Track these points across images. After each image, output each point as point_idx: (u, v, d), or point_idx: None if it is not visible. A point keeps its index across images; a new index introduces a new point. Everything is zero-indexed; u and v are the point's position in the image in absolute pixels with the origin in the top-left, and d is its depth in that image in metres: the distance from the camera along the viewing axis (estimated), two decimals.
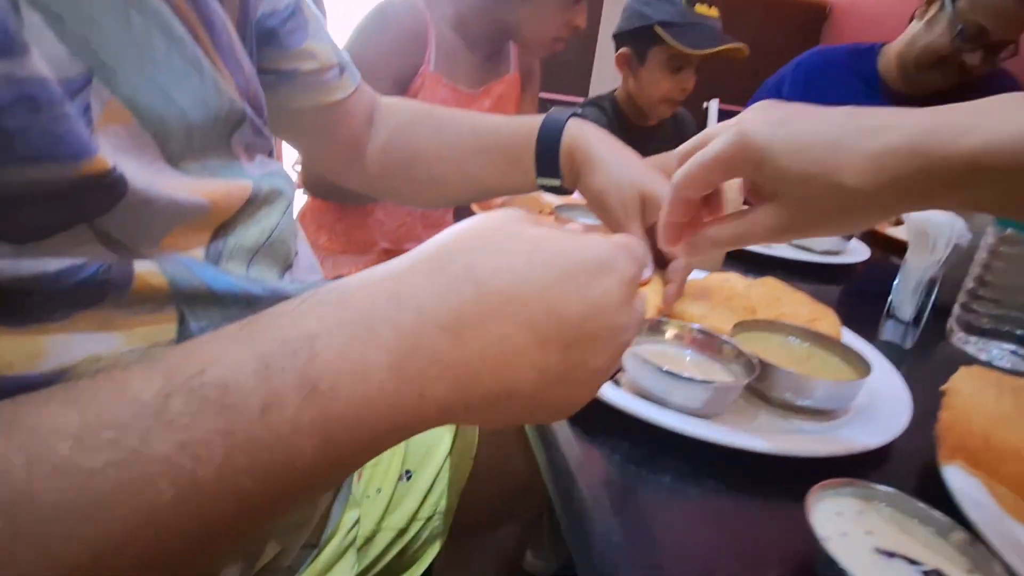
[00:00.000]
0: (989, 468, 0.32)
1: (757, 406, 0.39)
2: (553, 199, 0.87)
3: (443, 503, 0.61)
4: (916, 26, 1.20)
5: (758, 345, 0.42)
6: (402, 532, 0.57)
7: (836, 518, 0.26)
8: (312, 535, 0.42)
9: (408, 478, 0.59)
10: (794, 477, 0.31)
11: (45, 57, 0.22)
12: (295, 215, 0.41)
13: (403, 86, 0.90)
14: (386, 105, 0.60)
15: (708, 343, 0.40)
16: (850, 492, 0.28)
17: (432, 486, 0.61)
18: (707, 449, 0.32)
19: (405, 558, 0.59)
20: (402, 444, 0.60)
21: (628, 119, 1.28)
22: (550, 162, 0.54)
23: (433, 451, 0.62)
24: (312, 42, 0.47)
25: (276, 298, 0.33)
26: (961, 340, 0.56)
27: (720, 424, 0.34)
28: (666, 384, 0.34)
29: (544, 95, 1.56)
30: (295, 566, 0.40)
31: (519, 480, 0.68)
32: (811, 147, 0.29)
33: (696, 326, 0.41)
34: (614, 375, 0.31)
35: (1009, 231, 0.52)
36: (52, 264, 0.23)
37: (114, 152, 0.25)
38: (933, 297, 0.56)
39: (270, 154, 0.42)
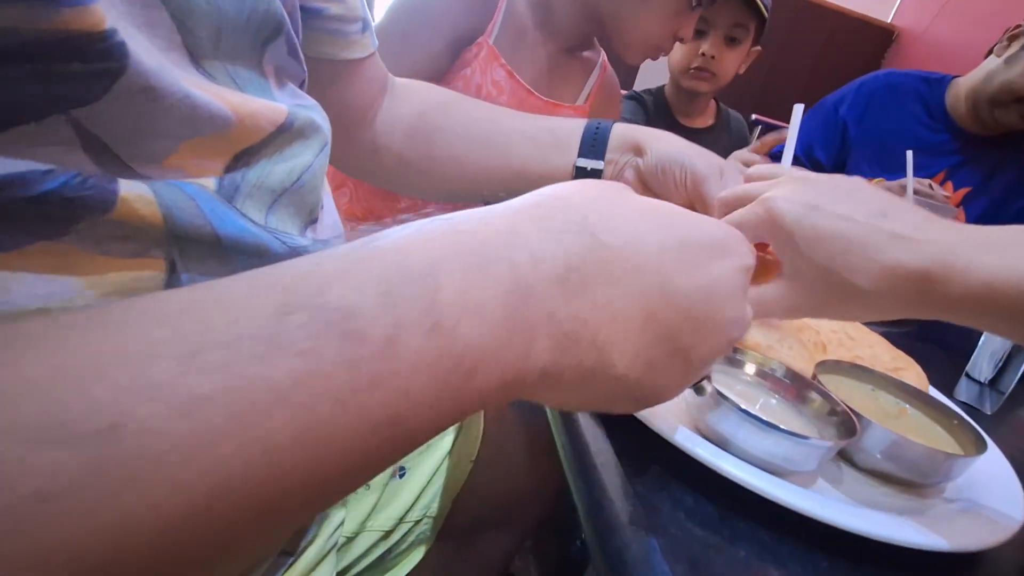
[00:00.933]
0: None
1: (839, 467, 0.32)
2: None
3: (434, 506, 0.56)
4: (994, 62, 1.13)
5: (843, 393, 0.36)
6: (387, 535, 0.52)
7: None
8: (289, 541, 0.36)
9: (401, 475, 0.54)
10: (870, 564, 0.25)
11: None
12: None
13: (457, 50, 0.80)
14: (407, 83, 0.56)
15: (791, 386, 0.34)
16: None
17: (426, 487, 0.55)
18: (785, 517, 0.26)
19: (385, 562, 0.54)
20: None
21: (674, 116, 1.21)
22: (597, 144, 0.53)
23: (432, 449, 0.56)
24: None
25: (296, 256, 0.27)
26: None
27: (802, 487, 0.28)
28: (750, 432, 0.28)
29: None
30: (270, 574, 0.34)
31: (518, 488, 0.63)
32: (835, 242, 0.30)
33: (777, 364, 0.35)
34: (700, 381, 0.26)
35: None
36: (4, 165, 0.17)
37: (118, 18, 0.19)
38: (1017, 366, 0.50)
39: (302, 85, 0.36)
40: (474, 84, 0.80)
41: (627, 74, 1.88)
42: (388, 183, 0.65)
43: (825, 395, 0.32)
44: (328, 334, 0.14)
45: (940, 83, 1.25)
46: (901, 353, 0.45)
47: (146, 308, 0.14)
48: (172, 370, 0.13)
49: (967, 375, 0.53)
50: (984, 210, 1.20)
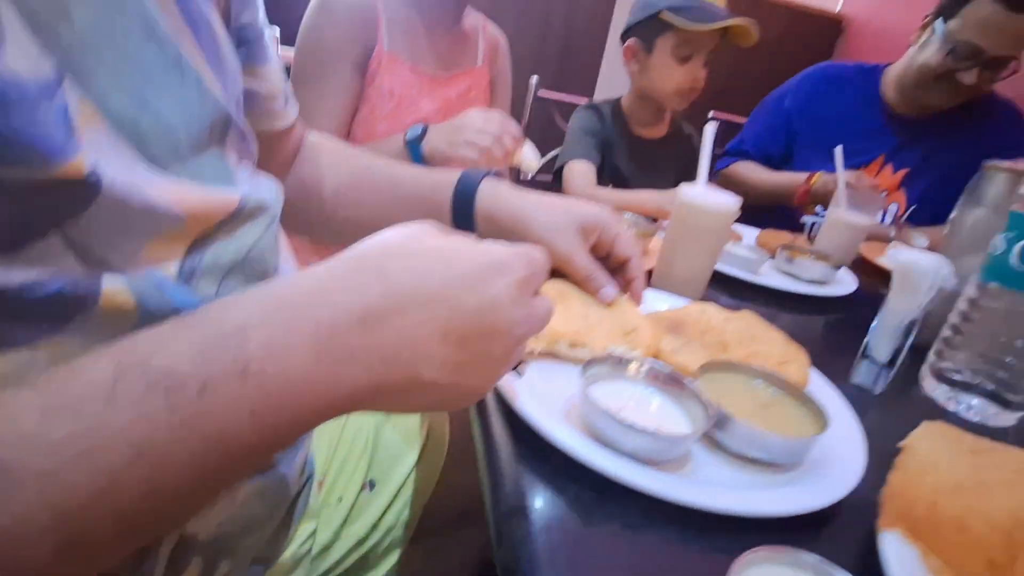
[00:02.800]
0: (930, 538, 0.33)
1: (715, 453, 0.39)
2: None
3: (406, 513, 0.62)
4: (913, 49, 1.20)
5: (724, 387, 0.42)
6: (362, 541, 0.58)
7: None
8: (263, 550, 0.42)
9: (371, 488, 0.60)
10: (732, 532, 0.32)
11: (18, 53, 0.21)
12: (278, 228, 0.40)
13: (362, 70, 0.90)
14: (311, 143, 0.61)
15: (672, 384, 0.40)
16: (777, 559, 0.28)
17: (395, 497, 0.61)
18: (652, 497, 0.32)
19: (364, 565, 0.59)
20: (367, 450, 0.60)
21: (630, 127, 1.27)
22: (466, 217, 0.56)
23: (400, 460, 0.62)
24: (271, 65, 0.47)
25: None
26: (932, 388, 0.56)
27: (668, 473, 0.35)
28: (617, 430, 0.34)
29: (549, 95, 1.55)
30: None
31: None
32: None
33: (661, 365, 0.41)
34: (517, 367, 0.34)
35: (992, 284, 0.52)
36: (21, 275, 0.23)
37: (96, 153, 0.24)
38: (910, 342, 0.56)
39: (255, 163, 0.41)
40: (386, 91, 0.91)
41: (587, 84, 1.94)
42: (296, 232, 0.74)
43: (697, 393, 0.39)
44: (154, 388, 0.20)
45: (874, 72, 1.32)
46: (793, 347, 0.51)
47: (28, 383, 0.20)
48: (36, 420, 0.19)
49: (868, 357, 0.59)
50: (926, 189, 1.27)
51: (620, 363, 0.41)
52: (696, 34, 1.06)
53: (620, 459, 0.34)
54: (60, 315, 0.24)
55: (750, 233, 0.98)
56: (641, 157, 1.26)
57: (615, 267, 0.54)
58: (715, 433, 0.38)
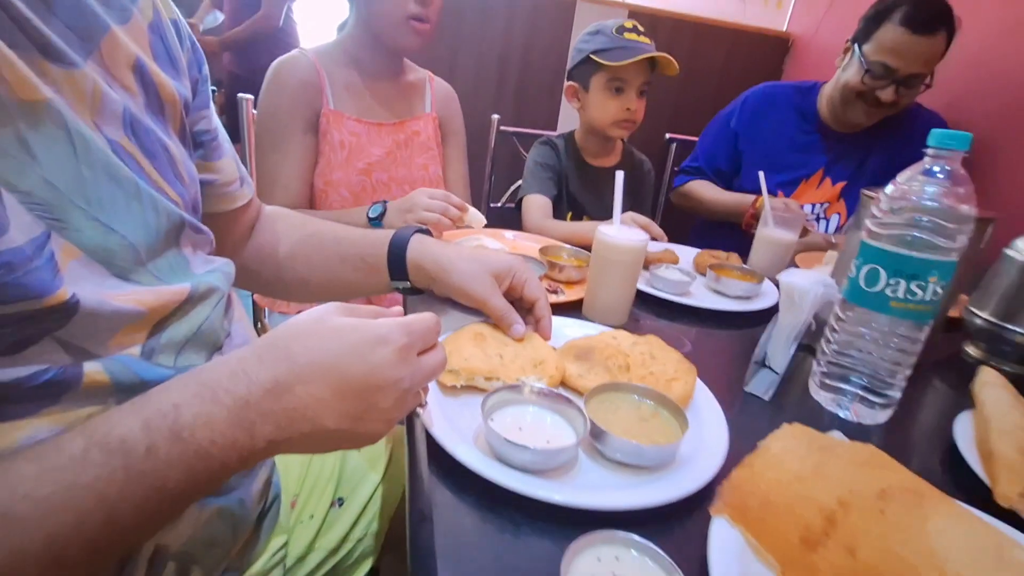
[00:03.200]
0: (753, 522, 0.41)
1: (597, 461, 0.47)
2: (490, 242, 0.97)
3: (375, 525, 0.70)
4: (838, 70, 1.31)
5: (611, 405, 0.51)
6: (333, 552, 0.66)
7: (595, 563, 0.35)
8: (235, 560, 0.51)
9: (340, 505, 0.68)
10: (596, 525, 0.40)
11: (17, 228, 0.30)
12: (229, 303, 0.49)
13: (315, 129, 1.03)
14: (266, 214, 0.70)
15: (563, 403, 0.49)
16: (613, 540, 0.36)
17: (363, 511, 0.69)
18: (539, 502, 0.41)
19: (337, 573, 0.68)
20: (335, 473, 0.69)
21: (583, 157, 1.37)
22: (400, 269, 0.67)
23: (365, 480, 0.71)
24: (226, 159, 0.57)
25: None
26: (816, 393, 0.64)
27: (551, 480, 0.43)
28: (506, 448, 0.43)
29: (512, 128, 1.65)
30: None
31: None
32: None
33: (551, 389, 0.50)
34: (414, 410, 0.44)
35: (850, 302, 0.60)
36: (24, 371, 0.32)
37: (74, 282, 0.33)
38: (792, 352, 0.65)
39: (211, 248, 0.50)
40: (336, 142, 1.04)
41: (549, 118, 2.05)
42: (262, 293, 0.86)
43: (577, 407, 0.48)
44: (113, 453, 0.30)
45: (811, 91, 1.42)
46: (685, 364, 0.60)
47: (27, 455, 0.30)
48: (32, 483, 0.28)
49: (767, 367, 0.68)
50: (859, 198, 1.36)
51: (518, 390, 0.50)
52: (621, 68, 1.18)
53: (508, 470, 0.43)
54: (55, 394, 0.33)
55: (688, 254, 1.06)
56: (595, 185, 1.36)
57: (526, 308, 0.64)
58: (596, 444, 0.47)
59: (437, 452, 0.46)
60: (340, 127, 1.02)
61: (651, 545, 0.36)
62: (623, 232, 0.71)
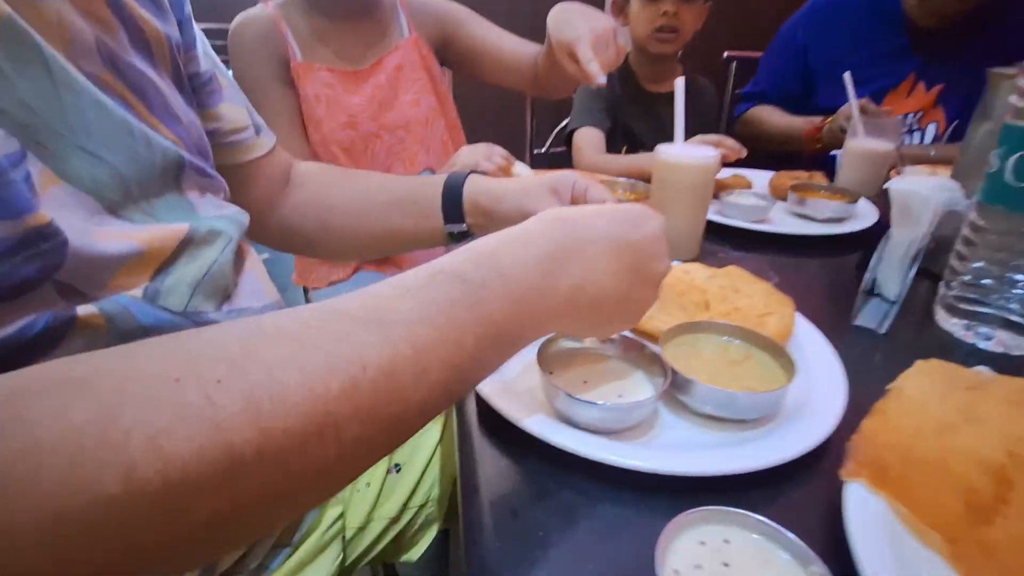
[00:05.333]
0: (898, 486, 0.32)
1: (681, 416, 0.39)
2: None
3: (436, 491, 0.65)
4: None
5: (691, 349, 0.42)
6: (395, 520, 0.62)
7: (698, 548, 0.27)
8: (283, 536, 0.46)
9: (397, 471, 0.64)
10: (684, 495, 0.32)
11: None
12: (237, 248, 0.44)
13: (288, 85, 0.94)
14: (303, 169, 0.65)
15: (634, 350, 0.41)
16: (720, 519, 0.28)
17: (422, 477, 0.65)
18: (607, 466, 0.33)
19: (401, 543, 0.64)
20: None
21: (639, 83, 1.23)
22: (455, 210, 0.61)
23: (421, 445, 0.66)
24: (228, 104, 0.51)
25: None
26: (945, 321, 0.52)
27: (624, 441, 0.35)
28: (570, 406, 0.35)
29: None
30: (266, 565, 0.45)
31: None
32: None
33: (620, 334, 0.42)
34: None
35: (991, 205, 0.48)
36: (12, 327, 0.28)
37: (55, 210, 0.30)
38: (912, 274, 0.53)
39: (225, 195, 0.46)
40: (312, 97, 0.94)
41: None
42: (303, 253, 0.78)
43: (657, 357, 0.39)
44: (454, 280, 0.29)
45: None
46: (778, 296, 0.49)
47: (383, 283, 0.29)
48: (406, 313, 0.26)
49: (878, 295, 0.56)
50: (965, 101, 1.16)
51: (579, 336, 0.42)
52: None
53: (574, 432, 0.35)
54: (50, 343, 0.30)
55: (762, 178, 0.93)
56: (653, 114, 1.22)
57: None
58: (679, 396, 0.38)
59: (489, 414, 0.39)
60: (312, 80, 0.93)
61: (772, 524, 0.27)
62: (689, 150, 0.60)
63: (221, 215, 0.44)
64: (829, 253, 0.72)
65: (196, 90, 0.48)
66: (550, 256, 0.32)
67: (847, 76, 0.90)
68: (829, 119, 1.11)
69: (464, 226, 0.61)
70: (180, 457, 0.19)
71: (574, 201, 0.59)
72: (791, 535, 0.27)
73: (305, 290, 1.13)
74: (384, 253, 0.93)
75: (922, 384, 0.40)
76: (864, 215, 0.79)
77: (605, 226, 0.35)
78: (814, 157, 1.20)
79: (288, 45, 0.92)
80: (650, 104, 1.22)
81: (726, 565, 0.26)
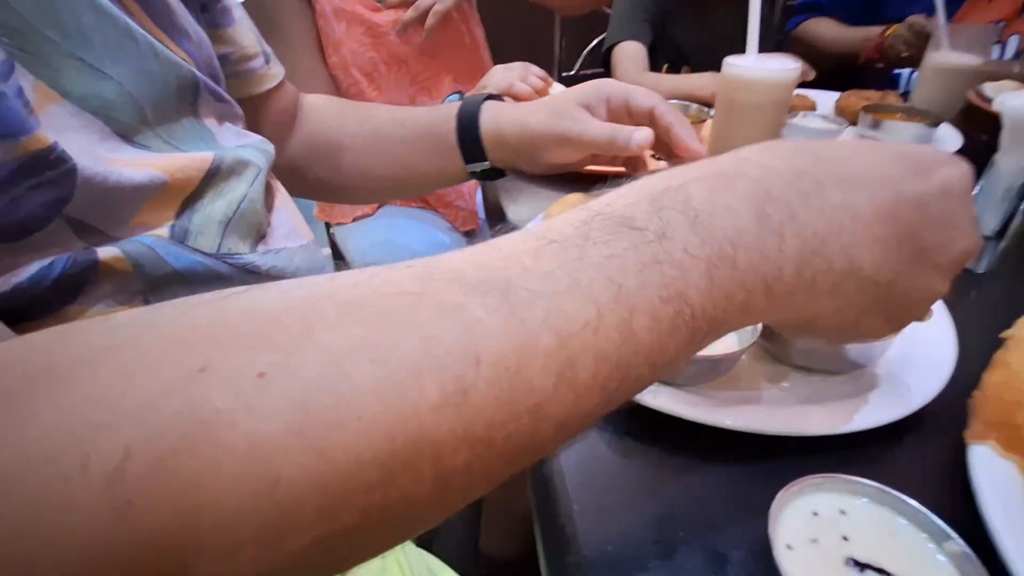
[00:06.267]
0: None
1: (776, 368, 0.35)
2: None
3: None
4: None
5: None
6: None
7: (811, 520, 0.24)
8: None
9: None
10: (786, 457, 0.29)
11: None
12: (265, 183, 0.40)
13: (307, 1, 0.84)
14: (310, 103, 0.59)
15: None
16: (834, 487, 0.25)
17: None
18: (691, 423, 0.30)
19: None
20: None
21: None
22: (474, 145, 0.53)
23: None
24: (238, 27, 0.46)
25: (244, 274, 0.34)
26: None
27: (710, 396, 0.32)
28: None
29: None
30: None
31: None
32: None
33: None
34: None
35: None
36: (25, 272, 0.26)
37: (58, 132, 0.26)
38: (1022, 208, 0.47)
39: (243, 123, 0.42)
40: (330, 12, 0.84)
41: None
42: (316, 197, 0.73)
43: None
44: (619, 231, 0.18)
45: None
46: None
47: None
48: (520, 276, 0.16)
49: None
50: None
51: None
52: None
53: (655, 388, 0.31)
54: (71, 291, 0.28)
55: (828, 99, 0.84)
56: (704, 27, 1.10)
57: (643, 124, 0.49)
58: (768, 347, 0.34)
59: None
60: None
61: (894, 493, 0.24)
62: (765, 61, 0.52)
63: (245, 144, 0.39)
64: None
65: (206, 6, 0.43)
66: (775, 200, 0.20)
67: None
68: (892, 28, 0.99)
69: (487, 164, 0.54)
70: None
71: (613, 117, 0.50)
72: (920, 506, 0.23)
73: (327, 226, 1.08)
74: (406, 195, 0.88)
75: None
76: (947, 139, 0.71)
77: (871, 167, 0.22)
78: (875, 75, 1.09)
79: None
80: (699, 14, 1.10)
81: (845, 539, 0.23)
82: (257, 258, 0.36)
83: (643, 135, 0.47)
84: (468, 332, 0.15)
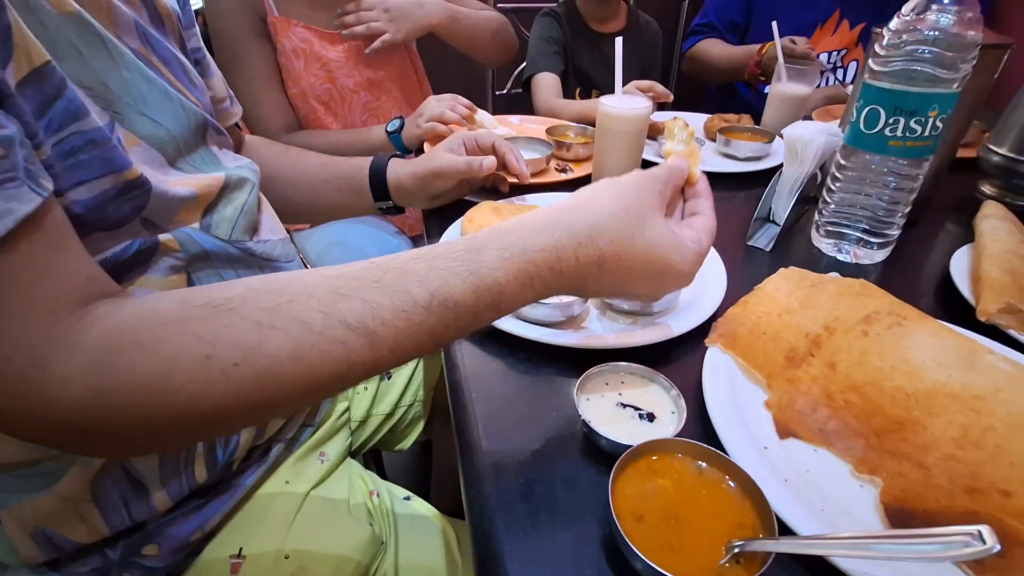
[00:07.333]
0: (743, 347, 0.47)
1: (606, 313, 0.53)
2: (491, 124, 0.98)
3: (421, 393, 0.80)
4: None
5: None
6: (389, 416, 0.77)
7: (603, 386, 0.42)
8: (308, 417, 0.61)
9: (388, 378, 0.78)
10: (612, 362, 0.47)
11: (93, 113, 0.37)
12: (259, 199, 0.55)
13: (265, 39, 0.98)
14: (250, 141, 0.75)
15: None
16: (618, 369, 0.42)
17: (409, 382, 0.79)
18: (557, 349, 0.47)
19: (396, 434, 0.79)
20: None
21: (587, 24, 1.30)
22: (382, 192, 0.73)
23: None
24: (214, 78, 0.61)
25: (247, 255, 0.49)
26: (818, 241, 0.67)
27: (565, 330, 0.49)
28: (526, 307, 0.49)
29: (510, 4, 1.56)
30: (297, 437, 0.59)
31: None
32: None
33: None
34: None
35: (851, 146, 0.61)
36: (119, 246, 0.40)
37: (139, 164, 0.40)
38: (793, 203, 0.67)
39: (231, 148, 0.57)
40: (290, 51, 0.98)
41: None
42: None
43: None
44: (449, 311, 0.32)
45: None
46: None
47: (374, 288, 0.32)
48: (388, 312, 0.31)
49: (772, 221, 0.71)
50: None
51: None
52: None
53: (527, 325, 0.49)
54: (144, 261, 0.42)
55: (700, 121, 1.05)
56: (601, 54, 1.30)
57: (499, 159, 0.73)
58: (604, 299, 0.52)
59: None
60: (288, 34, 0.97)
61: (651, 370, 0.42)
62: (624, 101, 0.71)
63: (241, 165, 0.54)
64: (747, 187, 0.86)
65: (199, 63, 0.57)
66: (566, 271, 0.35)
67: (774, 25, 1.01)
68: (766, 46, 1.21)
69: (391, 203, 0.75)
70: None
71: (471, 153, 0.73)
72: (660, 375, 0.41)
73: (288, 231, 1.23)
74: (322, 221, 1.02)
75: (778, 283, 0.54)
76: (780, 153, 0.93)
77: (631, 282, 0.38)
78: (759, 99, 1.31)
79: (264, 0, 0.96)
80: (598, 45, 1.31)
81: (620, 394, 0.41)
82: (254, 245, 0.51)
83: (490, 161, 0.70)
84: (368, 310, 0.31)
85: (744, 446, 0.37)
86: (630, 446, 0.34)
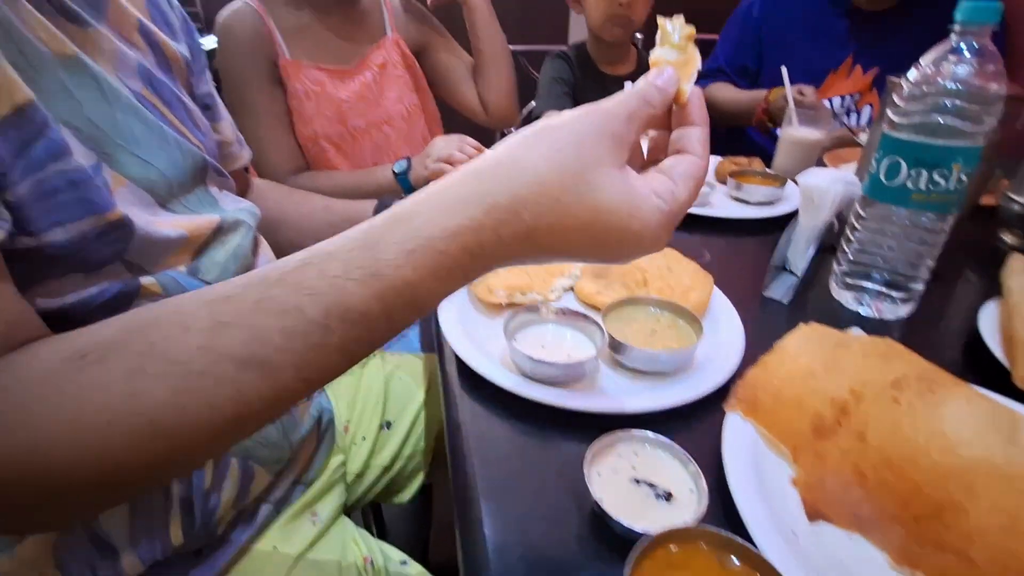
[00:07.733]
0: (765, 415, 0.44)
1: (618, 372, 0.50)
2: None
3: (422, 444, 0.77)
4: None
5: (628, 318, 0.53)
6: (387, 469, 0.73)
7: (615, 458, 0.38)
8: (300, 474, 0.57)
9: (388, 428, 0.75)
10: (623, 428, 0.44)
11: (79, 154, 0.36)
12: (256, 242, 0.54)
13: (276, 83, 0.98)
14: (258, 184, 0.75)
15: (581, 320, 0.52)
16: (631, 438, 0.39)
17: (410, 432, 0.76)
18: (557, 409, 0.44)
19: (394, 487, 0.76)
20: (381, 400, 0.75)
21: (596, 66, 1.31)
22: None
23: (409, 404, 0.77)
24: (224, 122, 0.61)
25: None
26: (838, 293, 0.64)
27: (574, 390, 0.47)
28: (531, 365, 0.46)
29: (520, 47, 1.58)
30: (287, 497, 0.56)
31: None
32: None
33: (568, 308, 0.53)
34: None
35: (871, 198, 0.59)
36: (95, 289, 0.38)
37: (124, 205, 0.39)
38: (811, 254, 0.65)
39: (235, 191, 0.56)
40: (302, 93, 0.99)
41: (558, 33, 1.94)
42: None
43: (594, 322, 0.50)
44: (356, 325, 0.26)
45: None
46: (701, 275, 0.61)
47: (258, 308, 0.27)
48: (279, 337, 0.26)
49: (787, 271, 0.68)
50: None
51: (536, 310, 0.53)
52: None
53: (535, 385, 0.46)
54: (123, 305, 0.40)
55: (712, 163, 1.04)
56: (608, 91, 1.31)
57: None
58: (616, 356, 0.50)
59: (468, 373, 0.49)
60: (300, 77, 0.97)
61: (666, 440, 0.39)
62: None
63: (240, 208, 0.53)
64: (759, 233, 0.84)
65: (209, 107, 0.57)
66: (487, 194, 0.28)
67: (784, 69, 1.00)
68: (774, 91, 1.21)
69: None
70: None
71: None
72: (677, 446, 0.38)
73: None
74: None
75: (800, 342, 0.51)
76: (791, 198, 0.91)
77: (582, 250, 0.30)
78: (769, 142, 1.31)
79: (276, 43, 0.97)
80: (607, 86, 1.31)
81: (634, 468, 0.38)
82: None
83: None
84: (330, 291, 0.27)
85: (771, 532, 0.34)
86: (647, 534, 0.30)
